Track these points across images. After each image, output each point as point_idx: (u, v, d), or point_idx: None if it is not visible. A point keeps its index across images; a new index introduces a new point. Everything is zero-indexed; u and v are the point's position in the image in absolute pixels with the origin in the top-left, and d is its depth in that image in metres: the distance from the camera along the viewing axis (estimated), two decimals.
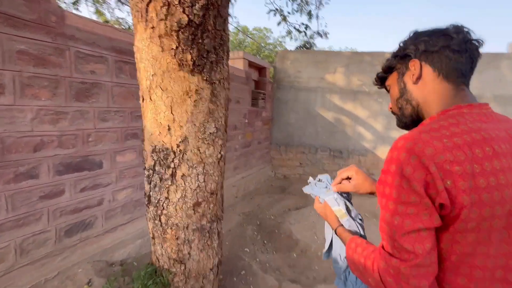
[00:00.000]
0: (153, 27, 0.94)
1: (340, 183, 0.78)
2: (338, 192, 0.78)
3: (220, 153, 1.24)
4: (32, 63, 1.55)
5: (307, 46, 4.95)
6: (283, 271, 2.31)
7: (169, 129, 1.08)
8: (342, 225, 0.74)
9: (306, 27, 3.83)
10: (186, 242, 1.27)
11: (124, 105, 2.11)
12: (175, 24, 0.93)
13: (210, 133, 1.15)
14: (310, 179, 0.90)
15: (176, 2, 0.90)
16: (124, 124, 2.13)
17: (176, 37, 0.95)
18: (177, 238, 1.25)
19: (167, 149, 1.10)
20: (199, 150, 1.15)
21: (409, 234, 0.46)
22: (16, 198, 1.55)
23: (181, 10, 0.92)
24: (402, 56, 0.59)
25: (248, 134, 4.22)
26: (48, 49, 1.61)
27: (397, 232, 0.47)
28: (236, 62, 3.99)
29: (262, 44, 16.38)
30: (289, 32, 3.94)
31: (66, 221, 1.82)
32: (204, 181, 1.21)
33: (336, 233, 0.74)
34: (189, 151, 1.12)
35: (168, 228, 1.23)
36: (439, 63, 0.54)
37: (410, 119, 0.61)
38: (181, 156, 1.12)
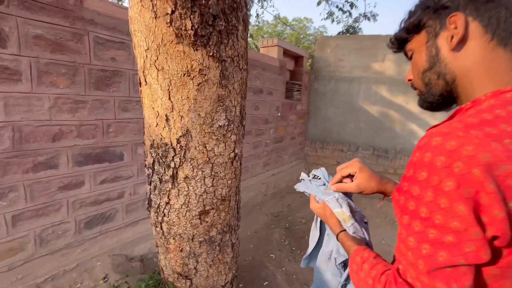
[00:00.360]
0: None
1: (340, 181, 0.65)
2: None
3: (233, 151, 0.99)
4: (49, 49, 1.48)
5: (350, 31, 4.40)
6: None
7: (167, 119, 0.86)
8: (345, 230, 0.62)
9: (352, 5, 3.32)
10: (192, 255, 1.06)
11: None
12: None
13: (220, 126, 0.91)
14: (303, 175, 0.76)
15: None
16: None
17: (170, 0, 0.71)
18: (181, 250, 1.05)
19: (166, 144, 0.89)
20: (205, 147, 0.91)
21: (443, 270, 0.34)
22: (35, 188, 1.53)
23: None
24: (436, 9, 0.42)
25: (281, 128, 3.92)
26: (66, 34, 1.53)
27: (425, 265, 0.35)
28: (270, 50, 3.68)
29: (302, 35, 15.69)
30: (330, 14, 3.48)
31: (86, 213, 1.79)
32: (212, 185, 0.97)
33: (337, 239, 0.62)
34: (192, 148, 0.90)
35: (170, 238, 1.04)
36: (495, 20, 0.37)
37: (439, 99, 0.46)
38: (182, 153, 0.89)
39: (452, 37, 0.40)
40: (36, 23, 1.41)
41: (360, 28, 4.10)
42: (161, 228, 1.04)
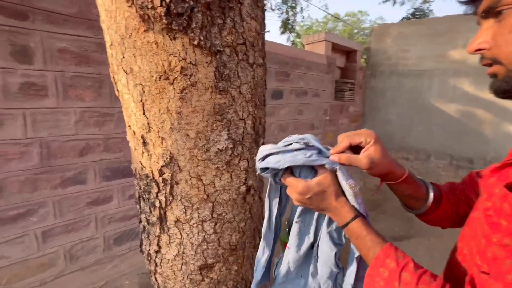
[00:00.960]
0: None
1: (343, 152, 0.47)
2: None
3: (245, 183, 0.69)
4: (74, 61, 1.44)
5: (417, 16, 3.63)
6: None
7: (144, 142, 0.61)
8: (361, 214, 0.45)
9: None
10: None
11: None
12: None
13: (220, 149, 0.62)
14: (265, 147, 0.49)
15: None
16: None
17: None
18: None
19: (147, 176, 0.64)
20: (200, 179, 0.63)
21: None
22: (63, 204, 1.51)
23: None
24: None
25: (330, 134, 3.45)
26: (91, 45, 1.47)
27: None
28: (317, 46, 3.27)
29: (356, 29, 14.53)
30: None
31: (114, 228, 1.73)
32: (214, 231, 0.69)
33: (346, 229, 0.44)
34: (182, 181, 0.63)
35: None
36: None
37: None
38: (168, 189, 0.63)
39: None
40: (61, 36, 1.38)
41: (431, 10, 3.33)
42: (156, 279, 0.80)
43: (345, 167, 0.48)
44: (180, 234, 0.68)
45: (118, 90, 0.62)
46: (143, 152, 0.62)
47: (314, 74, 2.99)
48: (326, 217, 0.51)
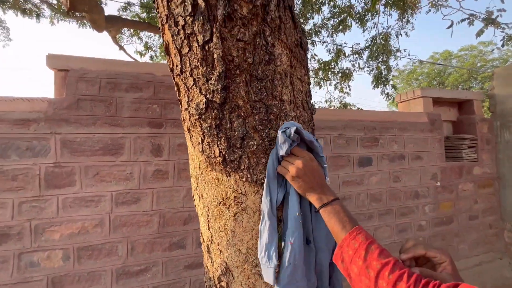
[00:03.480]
0: (183, 119, 0.74)
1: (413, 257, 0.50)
2: None
3: None
4: (187, 151, 1.92)
5: None
6: None
7: (208, 251, 0.74)
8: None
9: None
10: None
11: None
12: (194, 110, 0.66)
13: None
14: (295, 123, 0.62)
15: (191, 83, 0.64)
16: None
17: (199, 128, 0.66)
18: None
19: (210, 279, 0.76)
20: None
21: None
22: (168, 265, 1.84)
23: (198, 90, 0.64)
24: None
25: (445, 204, 2.79)
26: None
27: None
28: (412, 104, 2.98)
29: (479, 62, 12.25)
30: (509, 39, 2.39)
31: None
32: None
33: (328, 207, 0.54)
34: None
35: None
36: None
37: None
38: None
39: None
40: (181, 135, 1.90)
41: None
42: None
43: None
44: None
45: (195, 204, 0.80)
46: (208, 258, 0.75)
47: (412, 135, 2.66)
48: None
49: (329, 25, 5.36)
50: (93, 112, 1.68)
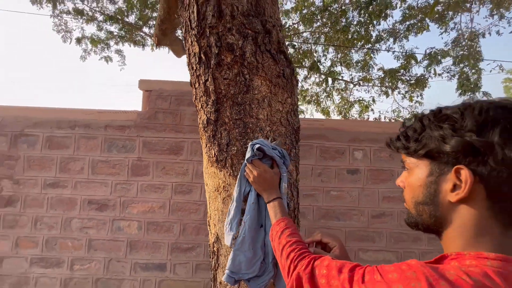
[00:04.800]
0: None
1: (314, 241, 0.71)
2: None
3: None
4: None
5: None
6: None
7: (208, 225, 1.03)
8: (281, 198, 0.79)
9: None
10: None
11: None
12: (201, 125, 0.97)
13: None
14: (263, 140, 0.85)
15: (200, 107, 0.96)
16: None
17: (204, 136, 0.97)
18: None
19: (209, 246, 1.04)
20: None
21: None
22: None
23: (203, 111, 0.95)
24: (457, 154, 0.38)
25: None
26: None
27: None
28: None
29: None
30: None
31: None
32: None
33: (271, 203, 0.77)
34: (222, 256, 0.97)
35: None
36: (500, 192, 0.37)
37: (424, 228, 0.45)
38: (215, 258, 0.99)
39: (454, 186, 0.39)
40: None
41: None
42: None
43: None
44: None
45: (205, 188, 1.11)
46: (208, 230, 1.04)
47: None
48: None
49: (401, 28, 4.99)
50: (164, 121, 2.25)
